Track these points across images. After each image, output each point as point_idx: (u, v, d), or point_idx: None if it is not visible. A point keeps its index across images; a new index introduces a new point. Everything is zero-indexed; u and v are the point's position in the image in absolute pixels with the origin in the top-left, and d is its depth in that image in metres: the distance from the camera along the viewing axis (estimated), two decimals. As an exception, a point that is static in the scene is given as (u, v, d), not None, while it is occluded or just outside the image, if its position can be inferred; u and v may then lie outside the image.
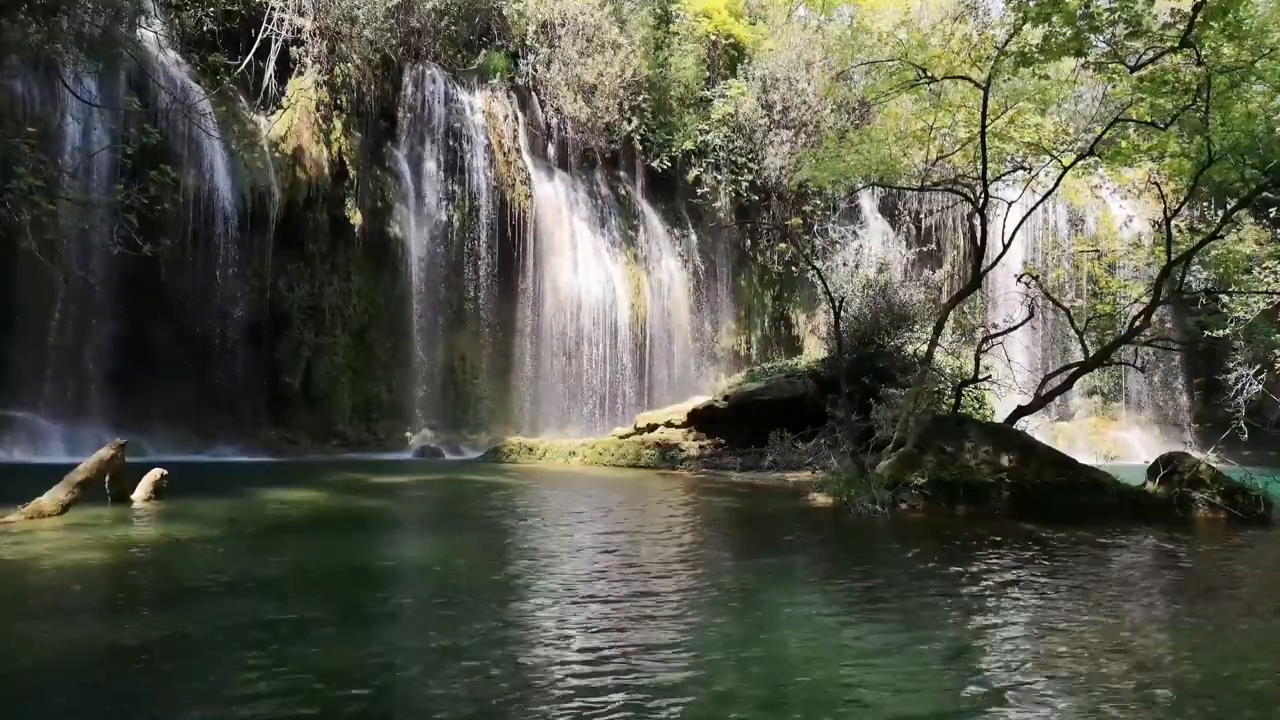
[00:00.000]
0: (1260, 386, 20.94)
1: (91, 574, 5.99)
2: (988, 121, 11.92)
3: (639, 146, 25.64)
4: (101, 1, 13.27)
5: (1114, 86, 13.21)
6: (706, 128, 25.99)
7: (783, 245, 26.80)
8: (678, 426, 18.35)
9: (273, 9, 19.63)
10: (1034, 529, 8.77)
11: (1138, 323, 12.76)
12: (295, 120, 20.17)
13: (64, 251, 15.69)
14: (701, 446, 17.50)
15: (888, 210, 28.82)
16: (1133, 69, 11.25)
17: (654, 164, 25.61)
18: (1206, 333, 20.28)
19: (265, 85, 20.06)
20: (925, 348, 13.83)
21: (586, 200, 24.87)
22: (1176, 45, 10.59)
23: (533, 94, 24.38)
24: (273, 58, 19.95)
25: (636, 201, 26.08)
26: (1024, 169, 14.01)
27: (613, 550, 7.53)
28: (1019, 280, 15.68)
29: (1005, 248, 13.48)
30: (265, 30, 19.62)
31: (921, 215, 28.49)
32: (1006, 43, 11.50)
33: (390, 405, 21.29)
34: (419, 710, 3.58)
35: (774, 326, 27.81)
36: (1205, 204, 22.22)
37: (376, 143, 21.93)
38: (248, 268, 18.71)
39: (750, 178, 26.23)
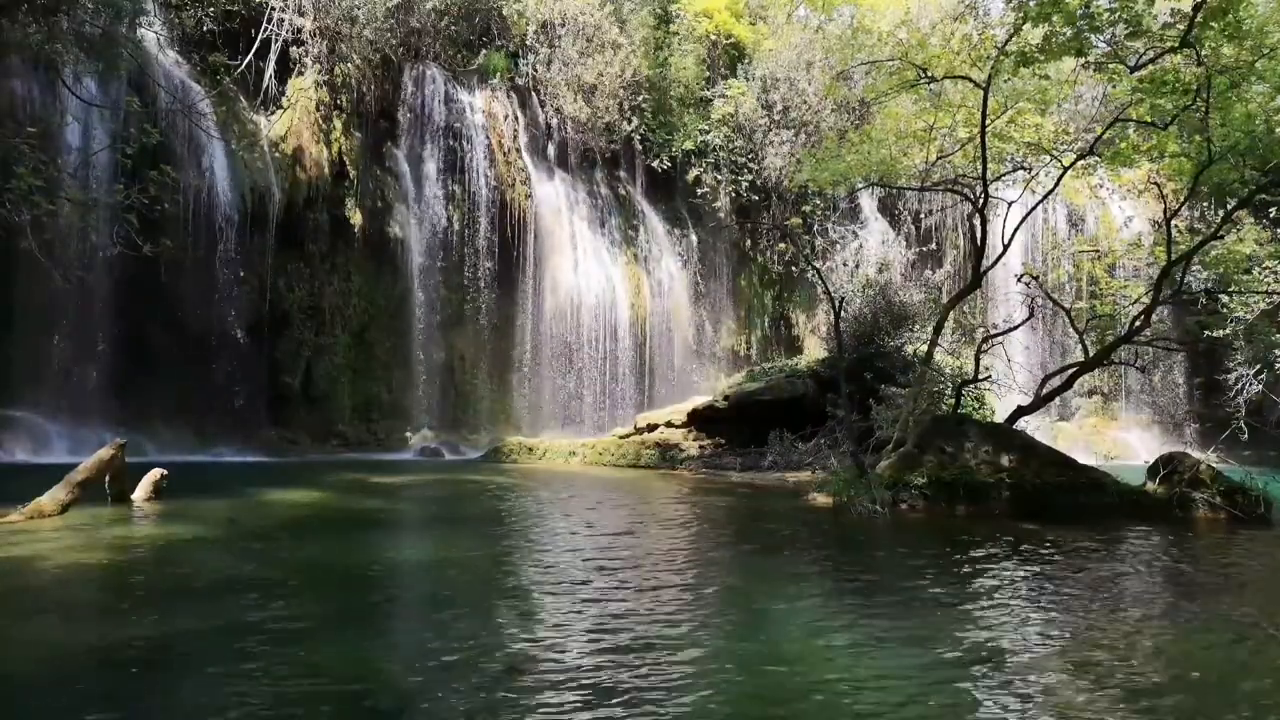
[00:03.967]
0: (1260, 386, 20.91)
1: (91, 574, 5.99)
2: (988, 121, 11.92)
3: (639, 146, 25.62)
4: (101, 1, 13.25)
5: (1114, 86, 13.21)
6: (706, 128, 25.97)
7: (783, 245, 26.79)
8: (678, 426, 18.34)
9: (273, 9, 19.62)
10: (1034, 529, 8.77)
11: (1138, 323, 12.76)
12: (295, 120, 20.16)
13: (64, 251, 15.71)
14: (701, 446, 17.49)
15: (888, 210, 28.81)
16: (1133, 69, 11.25)
17: (654, 164, 25.59)
18: (1206, 333, 20.26)
19: (265, 85, 20.04)
20: (925, 348, 13.82)
21: (586, 200, 24.85)
22: (1176, 45, 10.59)
23: (533, 94, 24.37)
24: (273, 58, 19.94)
25: (636, 201, 26.07)
26: (1024, 169, 14.01)
27: (612, 550, 7.53)
28: (1019, 280, 15.68)
29: (1005, 248, 13.49)
30: (265, 30, 19.61)
31: (921, 215, 28.48)
32: (1006, 43, 11.51)
33: (390, 405, 21.28)
34: (417, 712, 3.58)
35: (774, 326, 27.79)
36: (1205, 204, 22.19)
37: (376, 143, 21.92)
38: (248, 268, 18.69)
39: (750, 178, 26.21)
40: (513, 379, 23.01)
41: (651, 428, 18.66)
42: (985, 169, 12.36)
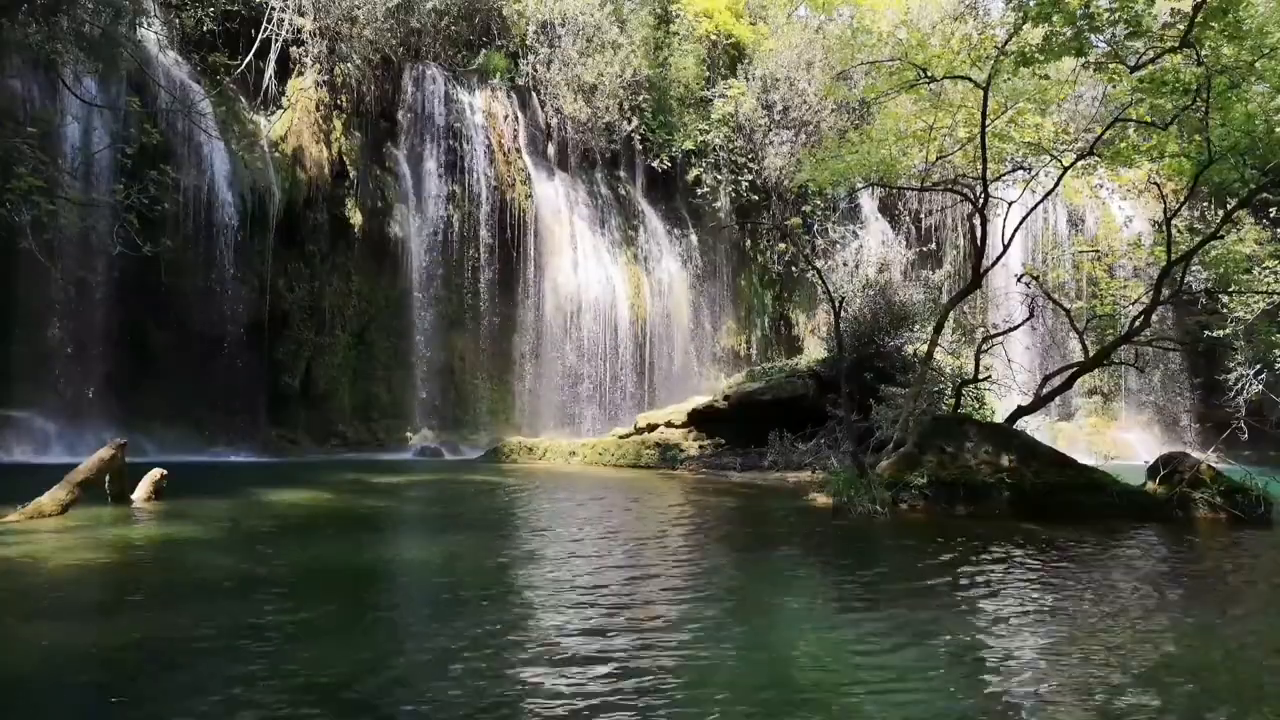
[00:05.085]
0: (1260, 386, 20.93)
1: (91, 574, 5.99)
2: (988, 121, 11.91)
3: (639, 146, 25.63)
4: (101, 1, 13.25)
5: (1114, 86, 13.20)
6: (706, 128, 25.98)
7: (783, 245, 26.79)
8: (678, 426, 18.33)
9: (273, 9, 19.62)
10: (1034, 529, 8.77)
11: (1138, 323, 12.76)
12: (295, 120, 20.16)
13: (64, 251, 15.72)
14: (701, 446, 17.49)
15: (888, 210, 28.81)
16: (1133, 69, 11.25)
17: (654, 164, 25.60)
18: (1206, 333, 20.27)
19: (265, 85, 20.05)
20: (925, 348, 13.82)
21: (586, 200, 24.86)
22: (1176, 45, 10.59)
23: (533, 94, 24.38)
24: (273, 58, 19.95)
25: (636, 201, 26.08)
26: (1024, 169, 14.00)
27: (613, 551, 7.53)
28: (1019, 280, 15.67)
29: (1005, 248, 13.48)
30: (265, 30, 19.62)
31: (921, 215, 28.49)
32: (1006, 43, 11.50)
33: (390, 405, 21.29)
34: (417, 714, 3.58)
35: (774, 326, 27.80)
36: (1205, 204, 22.21)
37: (376, 143, 21.92)
38: (248, 268, 18.69)
39: (750, 178, 26.22)
40: (513, 379, 23.01)
41: (651, 428, 18.66)
42: (985, 169, 12.36)
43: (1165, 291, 12.67)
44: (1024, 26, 11.10)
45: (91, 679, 3.90)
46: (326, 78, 20.69)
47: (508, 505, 10.98)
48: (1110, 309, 17.22)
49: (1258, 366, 20.76)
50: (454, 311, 22.17)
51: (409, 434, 20.86)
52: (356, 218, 20.79)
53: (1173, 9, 13.06)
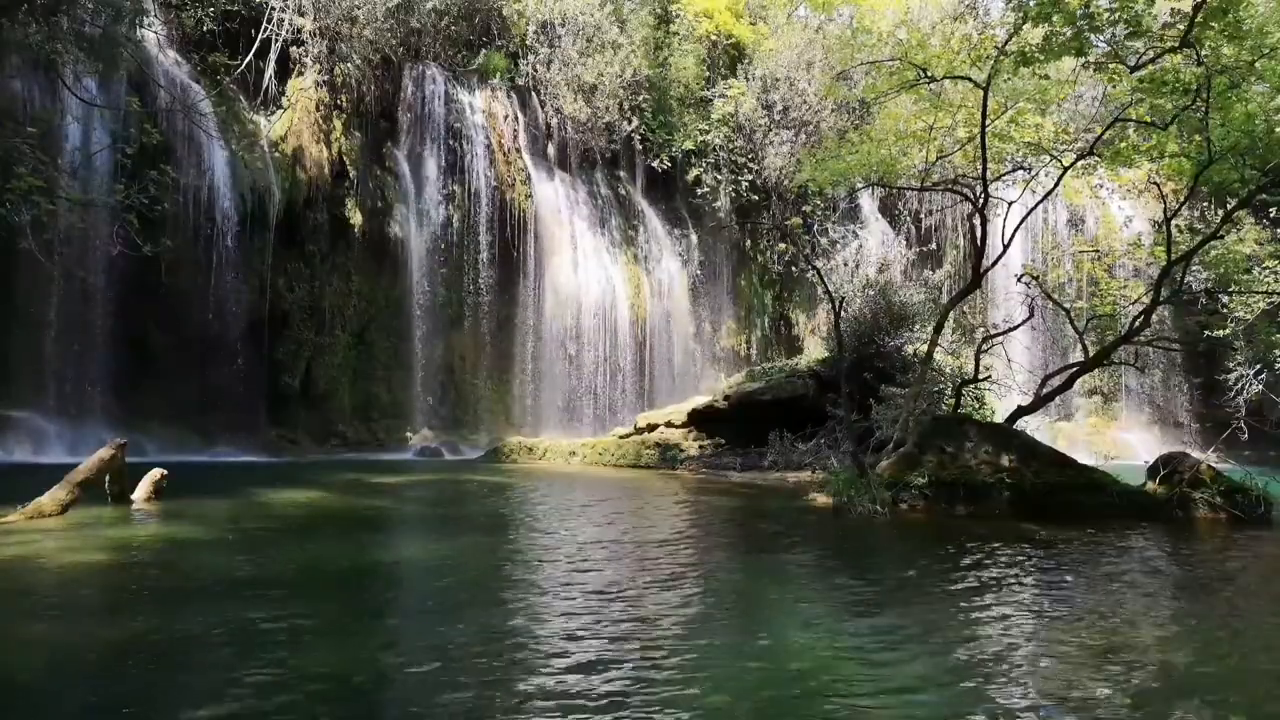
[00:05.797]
0: (1260, 386, 20.93)
1: (91, 574, 5.98)
2: (988, 121, 11.91)
3: (639, 146, 25.63)
4: (101, 1, 13.25)
5: (1114, 86, 13.20)
6: (706, 128, 25.98)
7: (783, 245, 26.79)
8: (678, 426, 18.33)
9: (273, 9, 19.62)
10: (1034, 529, 8.77)
11: (1138, 323, 12.76)
12: (295, 120, 20.17)
13: (64, 251, 15.72)
14: (701, 446, 17.49)
15: (888, 210, 28.81)
16: (1133, 69, 11.25)
17: (654, 164, 25.59)
18: (1206, 333, 20.27)
19: (265, 85, 20.05)
20: (925, 348, 13.82)
21: (587, 200, 24.85)
22: (1176, 45, 10.59)
23: (533, 94, 24.38)
24: (273, 58, 19.95)
25: (636, 201, 26.08)
26: (1024, 169, 14.01)
27: (613, 551, 7.53)
28: (1019, 280, 15.68)
29: (1005, 248, 13.49)
30: (265, 30, 19.62)
31: (921, 215, 28.48)
32: (1006, 43, 11.50)
33: (390, 405, 21.28)
34: (419, 715, 3.58)
35: (774, 326, 27.79)
36: (1205, 204, 22.22)
37: (376, 143, 21.92)
38: (248, 268, 18.69)
39: (750, 178, 26.22)
40: (513, 379, 23.01)
41: (651, 428, 18.66)
42: (985, 169, 12.36)
43: (1165, 291, 12.67)
44: (1024, 26, 11.10)
45: (92, 679, 3.90)
46: (326, 78, 20.69)
47: (508, 506, 10.98)
48: (1110, 309, 17.23)
49: (1258, 366, 20.76)
50: (454, 311, 22.17)
51: (409, 434, 20.85)
52: (356, 218, 20.79)
53: (1173, 9, 13.06)
